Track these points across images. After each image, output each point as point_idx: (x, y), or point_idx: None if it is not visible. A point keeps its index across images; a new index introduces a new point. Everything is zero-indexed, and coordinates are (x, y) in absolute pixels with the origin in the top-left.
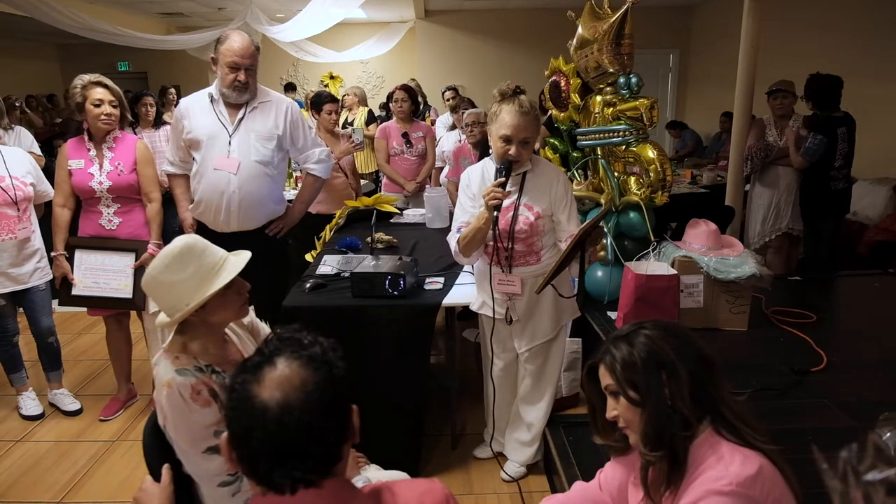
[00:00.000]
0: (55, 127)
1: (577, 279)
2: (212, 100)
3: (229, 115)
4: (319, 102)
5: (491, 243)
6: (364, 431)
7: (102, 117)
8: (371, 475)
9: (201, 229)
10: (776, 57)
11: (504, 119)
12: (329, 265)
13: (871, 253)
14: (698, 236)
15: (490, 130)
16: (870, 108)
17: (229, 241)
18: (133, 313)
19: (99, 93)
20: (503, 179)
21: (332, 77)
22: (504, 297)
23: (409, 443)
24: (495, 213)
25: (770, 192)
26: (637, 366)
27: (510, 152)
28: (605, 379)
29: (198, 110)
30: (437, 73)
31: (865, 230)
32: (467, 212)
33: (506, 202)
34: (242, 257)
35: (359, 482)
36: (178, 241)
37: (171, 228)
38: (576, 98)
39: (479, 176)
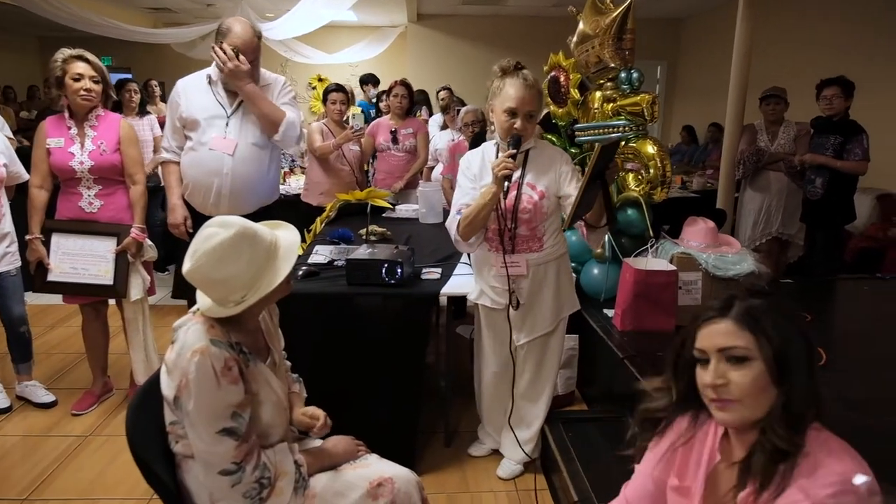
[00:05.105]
0: (31, 122)
1: (576, 275)
2: (210, 81)
3: (228, 97)
4: (326, 93)
5: (493, 226)
6: (358, 421)
7: (82, 92)
8: (373, 463)
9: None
10: (765, 66)
11: (508, 92)
12: (321, 254)
13: (856, 259)
14: (696, 234)
15: (492, 106)
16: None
17: None
18: (112, 304)
19: (80, 67)
20: (514, 151)
21: (320, 79)
22: (506, 282)
23: (403, 435)
24: (506, 184)
25: (761, 197)
26: (790, 336)
27: (516, 126)
28: (730, 339)
29: (195, 90)
30: (428, 77)
31: (851, 237)
32: (468, 194)
33: None
34: (292, 232)
35: (358, 469)
36: (227, 231)
37: (153, 222)
38: (575, 93)
39: (480, 158)
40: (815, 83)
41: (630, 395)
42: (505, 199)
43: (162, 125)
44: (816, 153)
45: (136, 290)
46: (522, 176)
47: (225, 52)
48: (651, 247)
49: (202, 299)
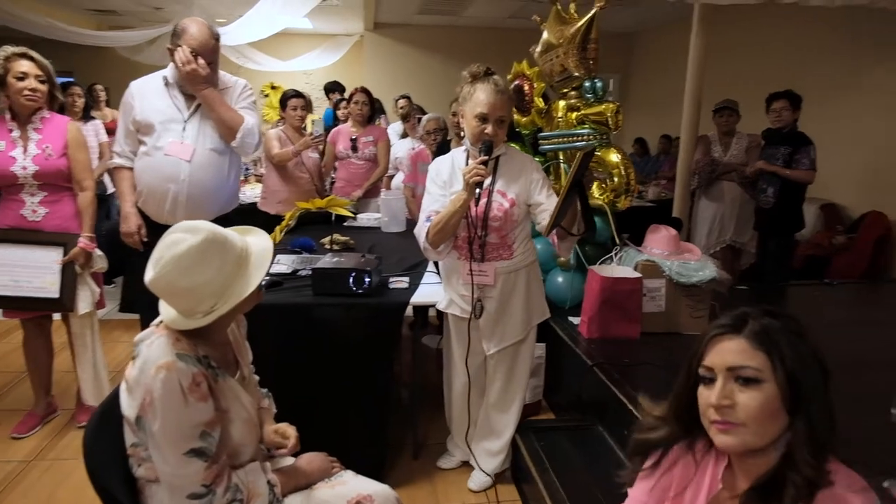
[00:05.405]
0: None
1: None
2: (166, 83)
3: (185, 100)
4: (284, 99)
5: (463, 234)
6: (326, 436)
7: (26, 92)
8: (349, 481)
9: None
10: (717, 79)
11: (479, 97)
12: (284, 264)
13: (803, 266)
14: (659, 241)
15: (462, 111)
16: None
17: None
18: (57, 319)
19: (24, 66)
20: (486, 157)
21: (273, 87)
22: (475, 289)
23: (373, 449)
24: (477, 191)
25: (715, 206)
26: (805, 360)
27: (486, 131)
28: (742, 358)
29: (150, 92)
30: (385, 85)
31: (798, 245)
32: (437, 201)
33: None
34: (263, 238)
35: (335, 488)
36: (194, 237)
37: (98, 231)
38: (540, 102)
39: (450, 165)
40: (764, 96)
41: (599, 403)
42: (476, 206)
43: (109, 131)
44: (768, 163)
45: (84, 304)
46: (493, 183)
47: (183, 55)
48: (615, 254)
49: (166, 310)
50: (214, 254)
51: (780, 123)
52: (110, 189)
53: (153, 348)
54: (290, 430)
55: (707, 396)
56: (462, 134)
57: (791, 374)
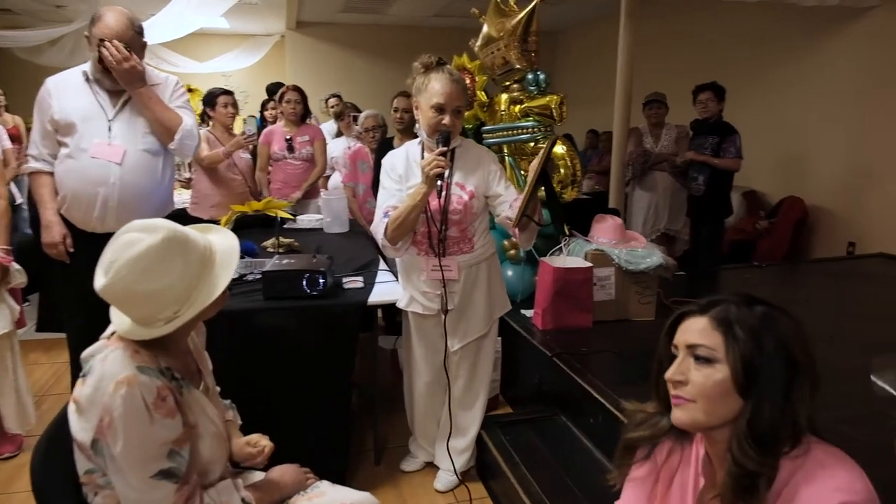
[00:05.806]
0: None
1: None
2: (87, 79)
3: (109, 98)
4: (212, 97)
5: (423, 228)
6: (286, 445)
7: None
8: (327, 491)
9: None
10: (645, 72)
11: (435, 88)
12: None
13: (730, 251)
14: (606, 230)
15: (417, 102)
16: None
17: (103, 245)
18: None
19: None
20: (445, 148)
21: (190, 90)
22: (438, 286)
23: (335, 457)
24: (438, 183)
25: (649, 196)
26: (766, 350)
27: (444, 122)
28: (700, 337)
29: (70, 89)
30: (310, 85)
31: (725, 231)
32: (394, 196)
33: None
34: (226, 237)
35: (313, 500)
36: (152, 236)
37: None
38: (482, 95)
39: (404, 158)
40: (688, 88)
41: (560, 393)
42: (439, 198)
43: (11, 137)
44: (697, 152)
45: (2, 323)
46: (451, 176)
47: (117, 50)
48: (564, 245)
49: (120, 320)
50: (176, 253)
51: (706, 114)
52: (18, 199)
53: (109, 363)
54: (263, 440)
55: (668, 371)
56: (417, 127)
57: (747, 360)
